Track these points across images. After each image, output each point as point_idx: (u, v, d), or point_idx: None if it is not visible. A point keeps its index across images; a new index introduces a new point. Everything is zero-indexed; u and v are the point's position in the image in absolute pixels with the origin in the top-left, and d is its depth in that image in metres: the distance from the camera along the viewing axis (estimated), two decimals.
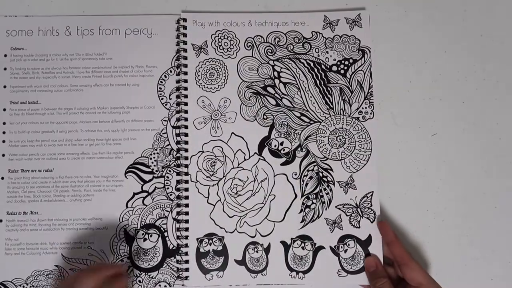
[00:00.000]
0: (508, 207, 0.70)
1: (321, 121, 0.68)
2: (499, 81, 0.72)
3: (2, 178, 0.67)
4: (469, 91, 0.72)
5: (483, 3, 0.73)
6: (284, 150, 0.68)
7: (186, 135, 0.68)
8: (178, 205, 0.67)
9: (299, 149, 0.68)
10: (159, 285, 0.66)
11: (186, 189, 0.67)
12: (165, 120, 0.68)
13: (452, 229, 0.70)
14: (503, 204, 0.70)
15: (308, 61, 0.69)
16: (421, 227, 0.69)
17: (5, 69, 0.68)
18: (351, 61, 0.69)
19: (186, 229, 0.67)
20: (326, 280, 0.66)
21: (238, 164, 0.68)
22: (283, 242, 0.67)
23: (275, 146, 0.68)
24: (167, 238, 0.67)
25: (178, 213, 0.67)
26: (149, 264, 0.66)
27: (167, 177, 0.68)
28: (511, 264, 0.69)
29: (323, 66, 0.69)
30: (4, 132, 0.67)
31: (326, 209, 0.67)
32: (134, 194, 0.67)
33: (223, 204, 0.67)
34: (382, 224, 0.66)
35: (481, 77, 0.72)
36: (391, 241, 0.65)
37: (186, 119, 0.68)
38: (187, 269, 0.66)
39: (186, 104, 0.68)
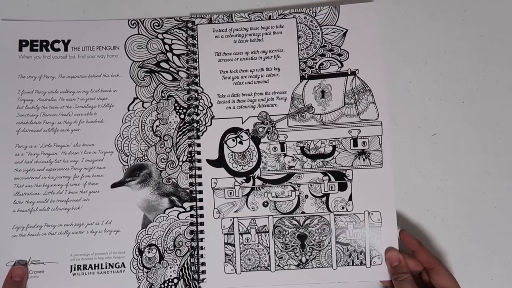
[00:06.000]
0: (508, 207, 0.70)
1: None
2: (499, 81, 0.72)
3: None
4: (469, 91, 0.72)
5: (483, 3, 0.73)
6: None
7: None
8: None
9: None
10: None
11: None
12: None
13: (452, 229, 0.70)
14: (503, 204, 0.70)
15: None
16: (421, 227, 0.70)
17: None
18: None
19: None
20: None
21: None
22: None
23: None
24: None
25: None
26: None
27: None
28: (511, 264, 0.70)
29: None
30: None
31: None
32: None
33: None
34: (403, 234, 0.66)
35: (481, 77, 0.72)
36: (416, 249, 0.65)
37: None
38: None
39: None
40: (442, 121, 0.71)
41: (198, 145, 0.69)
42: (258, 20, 0.70)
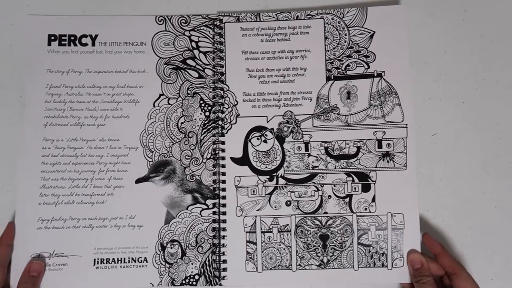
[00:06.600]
0: (508, 207, 0.70)
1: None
2: (499, 81, 0.72)
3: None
4: (469, 91, 0.72)
5: (483, 3, 0.73)
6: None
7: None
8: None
9: None
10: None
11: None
12: None
13: (452, 229, 0.70)
14: (503, 204, 0.70)
15: None
16: (421, 227, 0.68)
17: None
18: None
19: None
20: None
21: None
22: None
23: None
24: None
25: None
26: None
27: None
28: (511, 264, 0.69)
29: None
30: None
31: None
32: None
33: None
34: (426, 237, 0.67)
35: (481, 77, 0.72)
36: (438, 253, 0.65)
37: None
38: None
39: None
40: (442, 121, 0.71)
41: (223, 142, 0.69)
42: (286, 20, 0.71)
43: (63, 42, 0.71)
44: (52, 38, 0.71)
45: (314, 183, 0.69)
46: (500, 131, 0.71)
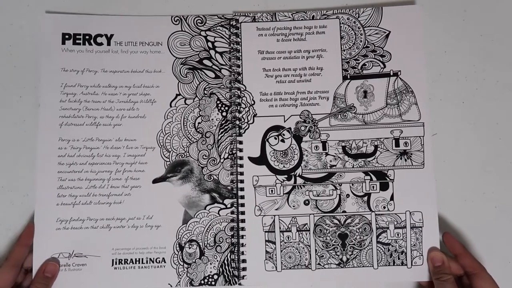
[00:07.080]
0: (508, 207, 0.71)
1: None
2: (499, 81, 0.72)
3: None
4: (469, 91, 0.72)
5: (483, 3, 0.73)
6: None
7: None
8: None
9: None
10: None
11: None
12: None
13: (453, 229, 0.70)
14: (503, 204, 0.71)
15: None
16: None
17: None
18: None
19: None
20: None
21: None
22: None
23: None
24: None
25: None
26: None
27: None
28: (511, 264, 0.70)
29: None
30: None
31: None
32: None
33: None
34: (447, 236, 0.67)
35: (481, 77, 0.72)
36: (459, 252, 0.65)
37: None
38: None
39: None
40: (442, 121, 0.72)
41: (240, 142, 0.69)
42: (302, 20, 0.71)
43: (77, 41, 0.70)
44: (66, 36, 0.70)
45: (332, 182, 0.69)
46: (500, 131, 0.72)
